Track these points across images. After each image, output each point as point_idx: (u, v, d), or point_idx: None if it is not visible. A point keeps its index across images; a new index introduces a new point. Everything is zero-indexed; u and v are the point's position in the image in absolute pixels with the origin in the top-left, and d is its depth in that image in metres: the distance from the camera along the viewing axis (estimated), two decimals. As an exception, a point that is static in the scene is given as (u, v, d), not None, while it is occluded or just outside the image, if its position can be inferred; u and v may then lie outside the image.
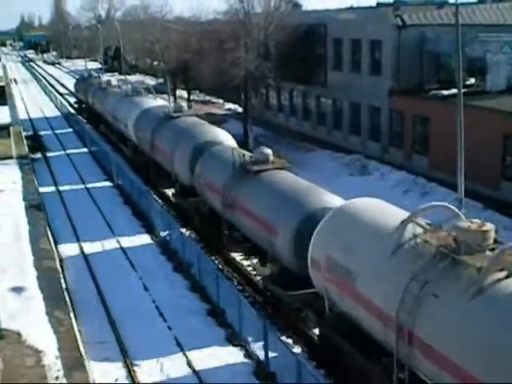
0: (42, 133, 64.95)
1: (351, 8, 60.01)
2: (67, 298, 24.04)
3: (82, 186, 43.70)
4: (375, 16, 47.56)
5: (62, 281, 25.85)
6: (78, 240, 33.05)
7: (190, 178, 33.14)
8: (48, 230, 31.58)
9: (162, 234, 32.57)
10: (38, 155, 54.07)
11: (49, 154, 54.88)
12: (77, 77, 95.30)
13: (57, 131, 66.19)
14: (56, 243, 31.75)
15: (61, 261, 29.34)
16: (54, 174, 47.57)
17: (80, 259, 30.61)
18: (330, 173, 42.96)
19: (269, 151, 27.56)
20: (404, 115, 43.29)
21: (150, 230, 33.98)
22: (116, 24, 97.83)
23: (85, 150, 56.49)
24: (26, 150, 49.09)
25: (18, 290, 23.82)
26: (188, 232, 33.12)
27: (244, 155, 28.06)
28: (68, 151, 55.88)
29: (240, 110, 63.22)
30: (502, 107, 35.48)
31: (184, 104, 52.69)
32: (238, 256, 29.50)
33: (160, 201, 38.76)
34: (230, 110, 74.36)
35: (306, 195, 23.21)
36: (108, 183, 44.39)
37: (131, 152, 48.06)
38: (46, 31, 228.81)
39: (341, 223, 18.99)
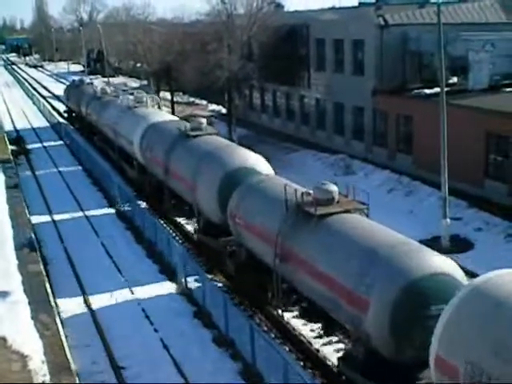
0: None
1: (333, 8, 60.20)
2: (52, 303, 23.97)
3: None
4: (357, 16, 47.68)
5: (47, 285, 25.77)
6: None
7: (219, 213, 27.20)
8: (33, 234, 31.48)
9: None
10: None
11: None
12: (67, 83, 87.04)
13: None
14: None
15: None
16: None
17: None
18: (315, 173, 42.98)
19: (334, 188, 21.32)
20: (387, 115, 43.41)
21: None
22: (98, 26, 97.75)
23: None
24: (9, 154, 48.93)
25: (2, 294, 23.73)
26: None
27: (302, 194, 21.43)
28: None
29: (224, 111, 63.25)
30: (485, 105, 35.63)
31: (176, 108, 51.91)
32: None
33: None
34: (213, 111, 74.30)
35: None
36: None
37: (137, 174, 40.98)
38: (28, 34, 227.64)
39: None
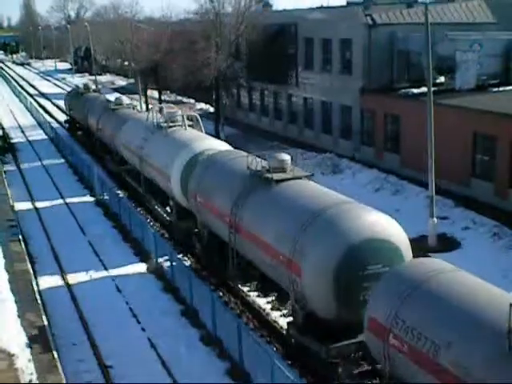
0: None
1: (322, 7, 60.19)
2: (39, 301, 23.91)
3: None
4: (345, 15, 47.72)
5: (34, 283, 25.69)
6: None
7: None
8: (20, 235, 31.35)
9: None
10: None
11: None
12: (68, 89, 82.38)
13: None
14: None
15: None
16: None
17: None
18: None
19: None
20: (375, 114, 43.51)
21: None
22: (86, 24, 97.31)
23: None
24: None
25: (-11, 293, 23.66)
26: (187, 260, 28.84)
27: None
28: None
29: (211, 110, 63.21)
30: (472, 105, 35.76)
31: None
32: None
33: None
34: (201, 110, 74.20)
35: None
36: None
37: (176, 220, 30.99)
38: (15, 32, 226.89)
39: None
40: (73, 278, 27.60)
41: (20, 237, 30.55)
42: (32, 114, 77.61)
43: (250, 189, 22.49)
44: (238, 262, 23.38)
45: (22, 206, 38.85)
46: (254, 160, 23.41)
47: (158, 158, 32.12)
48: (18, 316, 22.19)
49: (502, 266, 25.95)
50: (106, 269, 28.49)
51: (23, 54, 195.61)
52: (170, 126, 33.16)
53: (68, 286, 26.93)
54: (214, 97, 55.64)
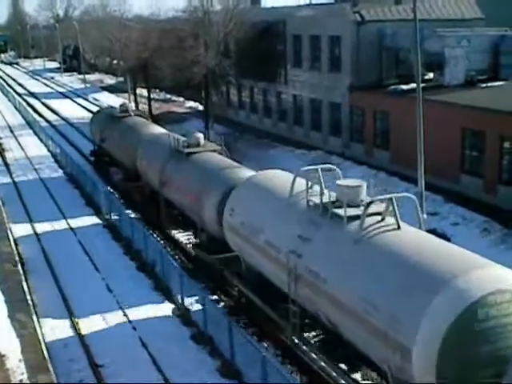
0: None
1: (310, 4, 60.18)
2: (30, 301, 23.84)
3: None
4: (334, 12, 47.73)
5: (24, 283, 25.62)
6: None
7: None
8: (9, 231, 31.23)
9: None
10: None
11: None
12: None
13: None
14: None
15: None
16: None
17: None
18: (292, 169, 42.96)
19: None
20: (364, 111, 43.57)
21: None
22: (74, 23, 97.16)
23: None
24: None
25: (-21, 293, 23.59)
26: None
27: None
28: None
29: (201, 108, 63.12)
30: (461, 101, 35.87)
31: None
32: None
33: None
34: (190, 108, 74.21)
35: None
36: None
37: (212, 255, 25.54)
38: (3, 31, 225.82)
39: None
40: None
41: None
42: (21, 113, 77.40)
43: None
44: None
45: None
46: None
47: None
48: (9, 316, 22.15)
49: (493, 260, 26.00)
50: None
51: (12, 53, 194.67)
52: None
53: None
54: (203, 95, 55.55)
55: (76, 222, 35.05)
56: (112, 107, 46.42)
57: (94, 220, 35.68)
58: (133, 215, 35.13)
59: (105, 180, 43.08)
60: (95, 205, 37.66)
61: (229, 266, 23.90)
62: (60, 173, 47.35)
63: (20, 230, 34.25)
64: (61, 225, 35.02)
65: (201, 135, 30.58)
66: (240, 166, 27.04)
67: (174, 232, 32.09)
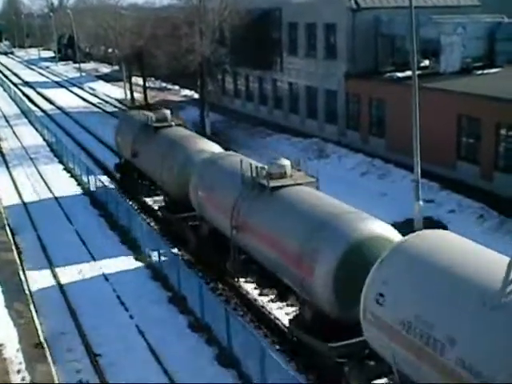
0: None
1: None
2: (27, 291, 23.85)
3: None
4: (329, -1, 47.60)
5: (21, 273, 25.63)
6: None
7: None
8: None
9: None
10: None
11: None
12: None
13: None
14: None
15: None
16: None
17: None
18: (288, 157, 43.02)
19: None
20: (360, 98, 43.51)
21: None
22: (69, 12, 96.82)
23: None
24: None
25: (-24, 283, 23.61)
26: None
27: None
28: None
29: (196, 96, 63.03)
30: (456, 88, 35.84)
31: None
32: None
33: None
34: (186, 96, 74.08)
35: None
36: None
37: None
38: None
39: None
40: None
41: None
42: (16, 103, 77.24)
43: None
44: None
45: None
46: None
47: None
48: (6, 306, 22.19)
49: (489, 247, 26.06)
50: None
51: (6, 42, 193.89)
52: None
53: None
54: (198, 83, 55.43)
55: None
56: (145, 115, 34.78)
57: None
58: (175, 251, 28.11)
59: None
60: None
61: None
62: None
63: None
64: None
65: (287, 163, 22.04)
66: (359, 211, 18.85)
67: (251, 291, 24.32)
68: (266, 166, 22.20)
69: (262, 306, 23.24)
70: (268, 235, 20.17)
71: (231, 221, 22.06)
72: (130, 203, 35.16)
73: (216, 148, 29.31)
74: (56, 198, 37.75)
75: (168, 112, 34.56)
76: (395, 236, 17.57)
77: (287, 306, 22.18)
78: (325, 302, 17.55)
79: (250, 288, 24.42)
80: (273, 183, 21.15)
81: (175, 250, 28.11)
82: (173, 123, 33.73)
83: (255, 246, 21.25)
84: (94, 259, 28.27)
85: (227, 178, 23.82)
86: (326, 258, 17.30)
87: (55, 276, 26.54)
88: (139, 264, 27.59)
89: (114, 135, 39.11)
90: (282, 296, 21.57)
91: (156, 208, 34.12)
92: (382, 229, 17.83)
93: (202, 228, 26.39)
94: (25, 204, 37.15)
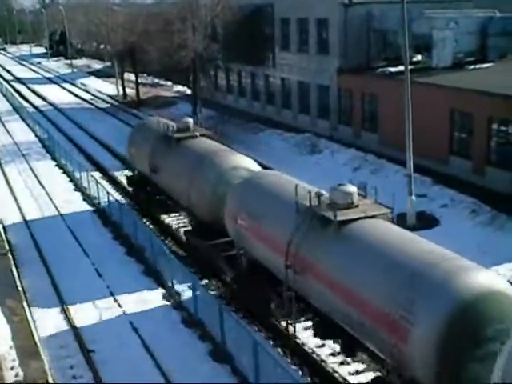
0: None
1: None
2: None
3: None
4: (321, -6, 47.54)
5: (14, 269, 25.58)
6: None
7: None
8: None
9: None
10: None
11: None
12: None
13: None
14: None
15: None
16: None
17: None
18: (281, 152, 43.16)
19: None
20: (352, 93, 43.51)
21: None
22: (61, 8, 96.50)
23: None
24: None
25: (-32, 280, 23.54)
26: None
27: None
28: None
29: (189, 92, 62.96)
30: (449, 83, 35.88)
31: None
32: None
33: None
34: (178, 92, 73.99)
35: None
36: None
37: None
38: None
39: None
40: None
41: None
42: (8, 99, 77.03)
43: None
44: None
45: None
46: None
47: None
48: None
49: (481, 242, 26.17)
50: None
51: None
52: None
53: None
54: (191, 79, 55.39)
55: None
56: (166, 126, 30.90)
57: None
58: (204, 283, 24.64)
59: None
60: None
61: None
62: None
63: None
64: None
65: (354, 189, 18.33)
66: (460, 257, 15.18)
67: (305, 336, 20.42)
68: (323, 192, 18.70)
69: (322, 361, 19.28)
70: (339, 283, 16.35)
71: (286, 259, 18.30)
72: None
73: (251, 164, 25.82)
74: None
75: (190, 121, 30.83)
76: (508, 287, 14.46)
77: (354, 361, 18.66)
78: (424, 376, 14.06)
79: (304, 335, 20.21)
80: (340, 216, 17.17)
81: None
82: (197, 133, 29.76)
83: (320, 294, 17.36)
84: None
85: (278, 205, 20.06)
86: (427, 320, 13.70)
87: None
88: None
89: (127, 145, 34.82)
90: (349, 350, 17.93)
91: (174, 226, 30.73)
92: (497, 281, 14.39)
93: (240, 259, 22.59)
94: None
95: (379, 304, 14.80)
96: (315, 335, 19.10)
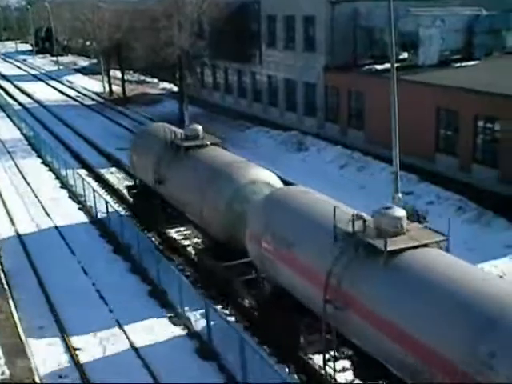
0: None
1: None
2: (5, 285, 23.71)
3: None
4: (308, -8, 47.54)
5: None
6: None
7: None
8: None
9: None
10: None
11: None
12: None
13: None
14: None
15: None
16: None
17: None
18: (268, 150, 43.17)
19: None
20: (339, 91, 43.55)
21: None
22: (46, 4, 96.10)
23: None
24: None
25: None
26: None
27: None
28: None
29: (175, 89, 62.84)
30: (435, 81, 35.96)
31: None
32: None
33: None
34: (165, 89, 73.82)
35: None
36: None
37: None
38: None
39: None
40: None
41: None
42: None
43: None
44: None
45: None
46: None
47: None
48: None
49: (467, 239, 26.25)
50: None
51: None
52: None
53: None
54: (177, 76, 55.28)
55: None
56: (173, 132, 28.34)
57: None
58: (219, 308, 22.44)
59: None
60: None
61: None
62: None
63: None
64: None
65: (403, 213, 15.94)
66: None
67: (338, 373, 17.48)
68: (364, 215, 16.30)
69: None
70: (394, 325, 13.99)
71: (325, 292, 15.97)
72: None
73: (271, 177, 23.52)
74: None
75: (200, 128, 27.89)
76: None
77: None
78: None
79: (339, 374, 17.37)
80: (390, 245, 14.86)
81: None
82: (207, 142, 27.15)
83: (367, 335, 15.06)
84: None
85: (312, 229, 17.65)
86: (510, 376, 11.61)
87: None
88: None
89: (129, 153, 32.24)
90: None
91: (182, 241, 28.62)
92: None
93: (262, 283, 20.61)
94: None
95: (447, 353, 12.61)
96: (356, 376, 16.97)
